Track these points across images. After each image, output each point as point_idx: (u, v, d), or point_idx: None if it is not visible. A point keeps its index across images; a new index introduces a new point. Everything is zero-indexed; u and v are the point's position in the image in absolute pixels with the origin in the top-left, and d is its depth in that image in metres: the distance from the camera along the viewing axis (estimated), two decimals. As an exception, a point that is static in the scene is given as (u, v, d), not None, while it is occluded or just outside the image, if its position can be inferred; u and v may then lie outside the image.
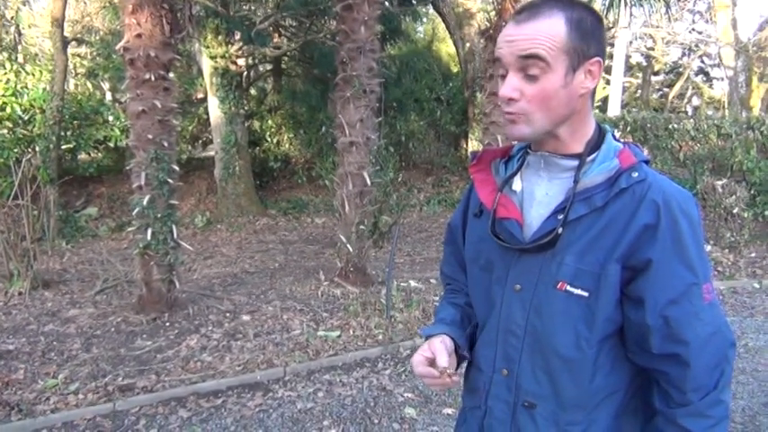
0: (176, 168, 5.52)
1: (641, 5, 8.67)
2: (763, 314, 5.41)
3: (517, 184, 1.27)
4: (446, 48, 16.67)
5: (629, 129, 9.06)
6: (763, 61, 16.47)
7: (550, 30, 1.11)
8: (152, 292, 5.43)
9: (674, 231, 1.11)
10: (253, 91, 14.36)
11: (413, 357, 1.27)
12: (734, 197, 6.94)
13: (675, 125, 8.93)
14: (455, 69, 15.39)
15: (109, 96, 16.00)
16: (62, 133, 10.67)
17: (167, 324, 5.25)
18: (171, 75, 5.51)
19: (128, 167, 5.47)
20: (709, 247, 6.93)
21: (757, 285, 6.20)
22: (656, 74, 24.95)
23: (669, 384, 1.14)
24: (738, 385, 3.95)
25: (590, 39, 1.13)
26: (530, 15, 1.13)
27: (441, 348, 1.24)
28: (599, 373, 1.17)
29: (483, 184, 1.30)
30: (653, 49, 22.31)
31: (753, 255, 7.17)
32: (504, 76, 1.16)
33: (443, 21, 14.26)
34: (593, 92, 1.19)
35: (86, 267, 7.59)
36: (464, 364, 1.38)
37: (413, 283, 6.22)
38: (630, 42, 19.83)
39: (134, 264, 5.86)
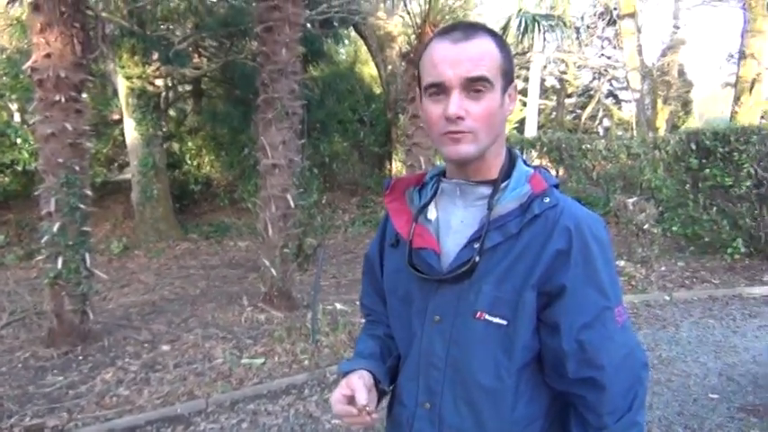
0: (89, 193, 5.28)
1: (554, 31, 9.04)
2: (675, 326, 5.67)
3: (432, 213, 1.27)
4: (368, 70, 16.82)
5: (545, 149, 9.37)
6: (666, 85, 17.48)
7: (491, 51, 1.13)
8: (63, 324, 5.14)
9: (586, 256, 1.13)
10: (172, 112, 13.98)
11: (331, 396, 1.22)
12: (644, 214, 7.27)
13: (588, 145, 9.31)
14: (378, 91, 15.54)
15: (17, 118, 15.20)
16: (-36, 157, 10.06)
17: (80, 358, 4.98)
18: (83, 96, 5.30)
19: (36, 192, 5.19)
20: (622, 263, 7.22)
21: (668, 298, 6.49)
22: (569, 96, 26.00)
23: (586, 408, 1.15)
24: (654, 396, 4.11)
25: (512, 64, 1.17)
26: (466, 36, 1.13)
27: (359, 385, 1.20)
28: (520, 402, 1.17)
29: (398, 214, 1.30)
30: (565, 72, 23.27)
31: (663, 269, 7.52)
32: (435, 94, 1.14)
33: (365, 43, 14.42)
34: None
35: (-9, 299, 7.13)
36: (387, 398, 1.35)
37: (339, 306, 6.16)
38: (545, 66, 20.60)
39: (44, 294, 5.54)
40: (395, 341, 1.36)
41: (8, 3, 6.22)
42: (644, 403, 1.18)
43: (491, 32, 1.16)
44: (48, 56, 4.96)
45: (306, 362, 4.81)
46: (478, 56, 1.12)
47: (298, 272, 7.20)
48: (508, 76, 1.16)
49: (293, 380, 4.50)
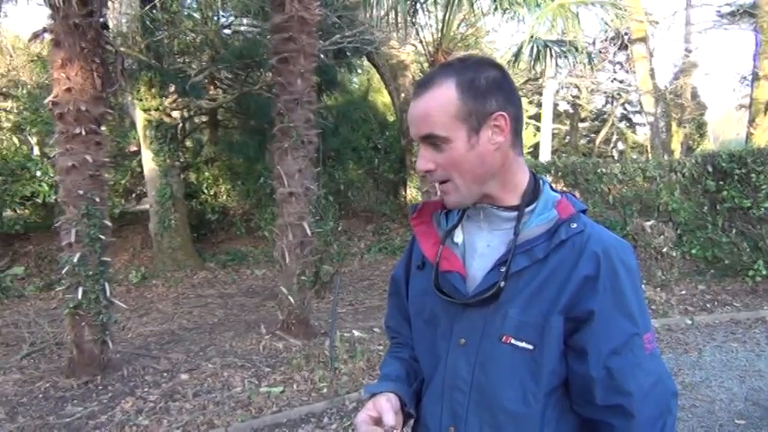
0: (109, 224, 5.35)
1: (566, 57, 9.09)
2: (697, 350, 5.58)
3: (459, 236, 1.27)
4: (382, 98, 16.97)
5: (560, 173, 9.34)
6: (680, 108, 17.45)
7: (441, 102, 1.14)
8: (83, 354, 5.17)
9: (614, 282, 1.13)
10: (188, 143, 14.18)
11: (357, 417, 1.21)
12: (662, 237, 7.21)
13: (604, 169, 9.27)
14: (391, 119, 15.66)
15: (36, 151, 15.48)
16: (-14, 190, 10.24)
17: (100, 387, 4.99)
18: (102, 128, 5.39)
19: (57, 224, 5.26)
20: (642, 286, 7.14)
21: (689, 322, 6.41)
22: (582, 120, 26.03)
23: None
24: (678, 422, 4.03)
25: (487, 96, 1.15)
26: (423, 89, 1.17)
27: (387, 407, 1.19)
28: (547, 428, 1.16)
29: (425, 237, 1.30)
30: (578, 97, 23.33)
31: (683, 292, 7.43)
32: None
33: (378, 72, 14.57)
34: (516, 142, 1.20)
35: (12, 330, 7.18)
36: (410, 423, 1.35)
37: (356, 333, 6.14)
38: (557, 91, 20.67)
39: (64, 324, 5.59)
40: (419, 364, 1.36)
41: (30, 39, 6.36)
42: None
43: (458, 73, 1.16)
44: (68, 90, 5.06)
45: (324, 390, 4.78)
46: (424, 114, 1.16)
47: (315, 299, 7.21)
48: (476, 116, 1.14)
49: (312, 408, 4.47)
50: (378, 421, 1.18)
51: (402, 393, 1.28)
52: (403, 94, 13.95)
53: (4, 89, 12.77)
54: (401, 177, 14.47)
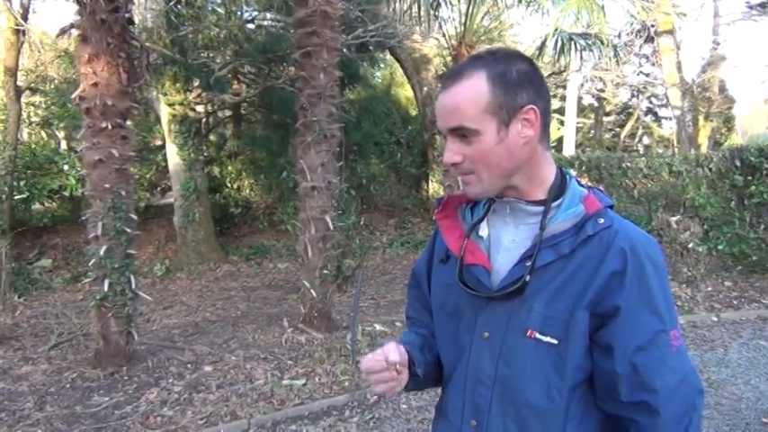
0: (134, 217, 5.42)
1: (591, 50, 8.98)
2: (723, 347, 5.51)
3: (484, 230, 1.27)
4: (404, 92, 16.94)
5: (584, 168, 9.26)
6: (707, 101, 17.16)
7: (471, 94, 1.13)
8: (109, 346, 5.25)
9: (641, 278, 1.12)
10: (212, 137, 14.29)
11: (362, 362, 1.21)
12: (688, 233, 7.11)
13: (628, 164, 9.18)
14: (414, 113, 15.62)
15: (63, 145, 15.71)
16: (15, 183, 10.41)
17: (125, 378, 5.07)
18: (128, 123, 5.46)
19: (84, 217, 5.35)
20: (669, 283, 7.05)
21: (715, 319, 6.32)
22: (607, 114, 25.73)
23: None
24: (703, 420, 3.96)
25: (518, 89, 1.14)
26: (453, 80, 1.16)
27: (392, 348, 1.21)
28: (570, 423, 1.15)
29: (449, 231, 1.30)
30: (603, 90, 23.03)
31: (709, 289, 7.32)
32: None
33: (401, 66, 14.53)
34: (544, 137, 1.20)
35: (40, 321, 7.33)
36: (431, 416, 1.34)
37: (378, 327, 6.16)
38: (582, 85, 20.43)
39: (90, 316, 5.69)
40: (436, 342, 1.36)
41: (57, 35, 6.45)
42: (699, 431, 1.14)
43: (488, 65, 1.15)
44: (95, 85, 5.13)
45: (346, 383, 4.81)
46: (453, 106, 1.15)
47: (337, 293, 7.24)
48: (507, 109, 1.13)
49: (334, 401, 4.50)
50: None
51: (412, 354, 1.29)
52: (425, 88, 13.91)
53: (32, 84, 12.94)
54: (423, 171, 14.44)
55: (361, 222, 9.69)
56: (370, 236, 12.17)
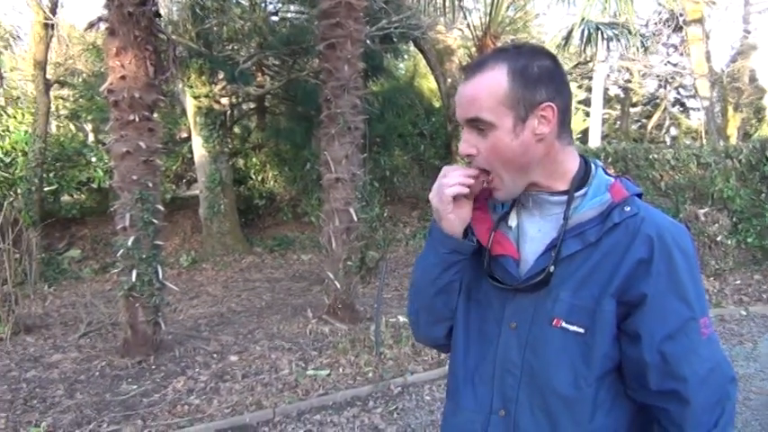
0: (161, 208, 5.49)
1: (618, 40, 8.86)
2: (752, 341, 5.43)
3: (513, 220, 1.27)
4: (428, 83, 16.86)
5: (610, 160, 9.16)
6: (737, 92, 16.84)
7: (490, 86, 1.13)
8: (137, 335, 5.34)
9: (669, 265, 1.10)
10: (237, 129, 14.38)
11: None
12: (716, 225, 7.01)
13: (655, 155, 9.05)
14: (437, 104, 15.56)
15: (91, 137, 15.96)
16: (44, 175, 10.62)
17: (153, 367, 5.16)
18: (155, 115, 5.52)
19: (112, 208, 5.43)
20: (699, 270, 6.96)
21: (744, 312, 6.23)
22: (634, 105, 25.40)
23: (669, 422, 1.12)
24: (731, 414, 3.93)
25: (538, 85, 1.13)
26: (474, 72, 1.16)
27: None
28: (599, 412, 1.15)
29: (479, 222, 1.29)
30: (630, 81, 22.74)
31: (738, 282, 7.21)
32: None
33: (424, 57, 14.46)
34: (562, 133, 1.18)
35: (69, 311, 7.47)
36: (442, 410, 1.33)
37: (401, 319, 6.16)
38: (608, 75, 20.19)
39: (118, 306, 5.78)
40: (455, 336, 1.34)
41: (85, 29, 6.54)
42: (732, 421, 1.13)
43: (510, 59, 1.14)
44: (123, 78, 5.20)
45: (370, 374, 4.83)
46: (472, 96, 1.14)
47: (360, 284, 7.27)
48: (524, 104, 1.12)
49: (358, 392, 4.53)
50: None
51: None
52: (449, 80, 13.84)
53: (60, 78, 13.15)
54: (447, 163, 14.27)
55: (385, 214, 9.69)
56: (394, 227, 12.18)
